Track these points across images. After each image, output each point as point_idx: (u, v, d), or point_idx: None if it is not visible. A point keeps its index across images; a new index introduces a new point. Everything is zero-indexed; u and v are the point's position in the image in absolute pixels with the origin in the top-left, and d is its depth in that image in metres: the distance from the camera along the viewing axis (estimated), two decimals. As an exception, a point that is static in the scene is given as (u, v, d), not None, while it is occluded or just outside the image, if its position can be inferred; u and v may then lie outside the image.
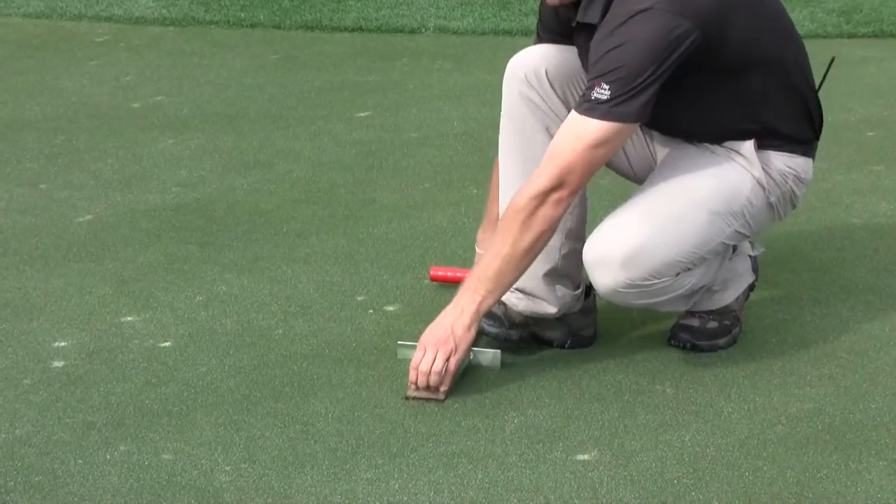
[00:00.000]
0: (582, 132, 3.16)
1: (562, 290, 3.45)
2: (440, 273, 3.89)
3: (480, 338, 3.46)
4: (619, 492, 2.88)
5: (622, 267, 3.21)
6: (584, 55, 3.29)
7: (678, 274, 3.28)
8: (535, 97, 3.38)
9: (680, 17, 3.10)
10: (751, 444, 3.06)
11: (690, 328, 3.50)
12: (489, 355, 3.40)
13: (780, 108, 3.36)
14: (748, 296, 3.61)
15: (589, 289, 3.51)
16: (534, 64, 3.40)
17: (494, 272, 3.24)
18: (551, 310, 3.46)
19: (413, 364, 3.25)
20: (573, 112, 3.20)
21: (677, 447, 3.05)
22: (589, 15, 3.22)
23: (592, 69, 3.18)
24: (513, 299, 3.45)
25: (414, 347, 3.30)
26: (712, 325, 3.50)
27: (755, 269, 3.63)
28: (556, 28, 3.43)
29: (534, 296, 3.44)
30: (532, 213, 3.19)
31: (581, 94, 3.22)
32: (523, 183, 3.24)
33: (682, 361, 3.45)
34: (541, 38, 3.50)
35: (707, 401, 3.26)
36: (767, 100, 3.33)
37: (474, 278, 3.27)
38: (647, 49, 3.10)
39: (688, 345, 3.49)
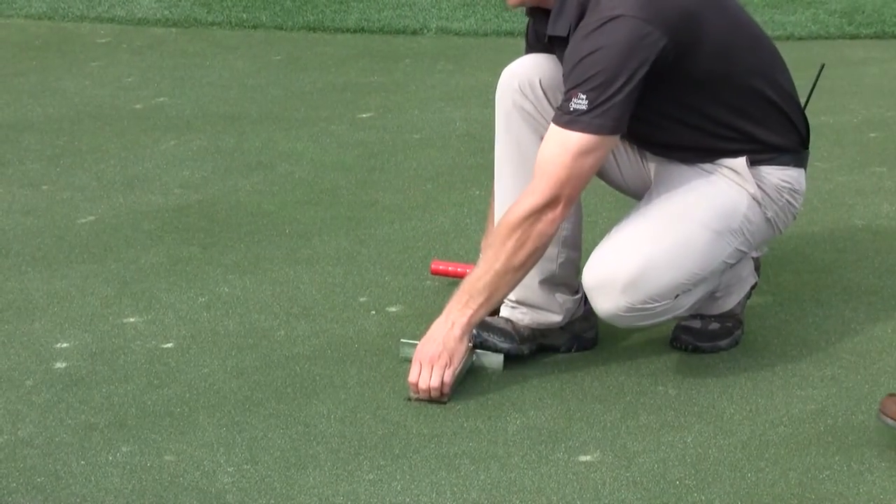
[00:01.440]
0: (567, 145, 3.16)
1: (562, 297, 3.45)
2: (441, 267, 3.88)
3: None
4: (621, 493, 2.88)
5: (623, 292, 3.20)
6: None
7: (678, 296, 3.27)
8: (528, 107, 3.37)
9: (650, 25, 3.12)
10: (753, 445, 3.06)
11: (692, 330, 3.50)
12: (492, 357, 3.40)
13: (760, 118, 3.35)
14: (749, 296, 3.61)
15: None
16: (528, 74, 3.39)
17: (486, 286, 3.24)
18: (557, 318, 3.46)
19: (410, 380, 3.26)
20: (553, 125, 3.20)
21: (679, 448, 3.05)
22: (558, 28, 3.25)
23: (568, 79, 3.18)
24: (517, 315, 3.45)
25: (415, 346, 3.30)
26: (714, 326, 3.50)
27: (757, 269, 3.63)
28: (539, 47, 3.44)
29: (537, 307, 3.44)
30: (526, 230, 3.19)
31: (559, 105, 3.22)
32: (518, 196, 3.24)
33: (684, 363, 3.45)
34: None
35: (709, 402, 3.26)
36: (747, 111, 3.33)
37: (465, 291, 3.27)
38: (620, 55, 3.11)
39: (689, 346, 3.49)
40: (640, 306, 3.21)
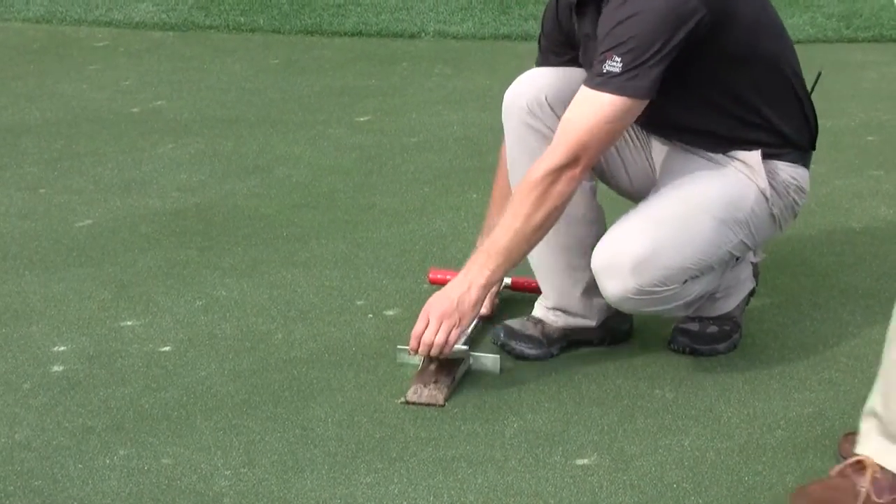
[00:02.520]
0: (595, 107, 3.16)
1: (598, 301, 3.44)
2: (440, 276, 3.88)
3: (482, 343, 3.48)
4: (618, 496, 2.88)
5: (632, 273, 3.20)
6: (590, 47, 3.29)
7: (686, 281, 3.27)
8: (538, 125, 3.36)
9: None
10: (750, 448, 3.06)
11: (690, 333, 3.50)
12: (489, 359, 3.40)
13: (783, 108, 3.36)
14: (748, 301, 3.61)
15: None
16: (533, 92, 3.38)
17: (505, 247, 3.22)
18: (591, 324, 3.48)
19: (415, 333, 3.24)
20: (584, 87, 3.19)
21: (677, 452, 3.05)
22: None
23: (603, 42, 3.18)
24: (551, 317, 3.46)
25: (413, 351, 3.31)
26: (712, 329, 3.50)
27: (756, 275, 3.63)
28: (558, 37, 3.44)
29: (573, 314, 3.45)
30: (546, 189, 3.18)
31: (591, 69, 3.21)
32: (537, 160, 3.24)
33: (682, 366, 3.45)
34: (543, 54, 3.51)
35: (706, 405, 3.26)
36: (769, 99, 3.34)
37: (483, 252, 3.25)
38: (658, 20, 3.11)
39: (687, 349, 3.49)
40: (648, 289, 3.21)
